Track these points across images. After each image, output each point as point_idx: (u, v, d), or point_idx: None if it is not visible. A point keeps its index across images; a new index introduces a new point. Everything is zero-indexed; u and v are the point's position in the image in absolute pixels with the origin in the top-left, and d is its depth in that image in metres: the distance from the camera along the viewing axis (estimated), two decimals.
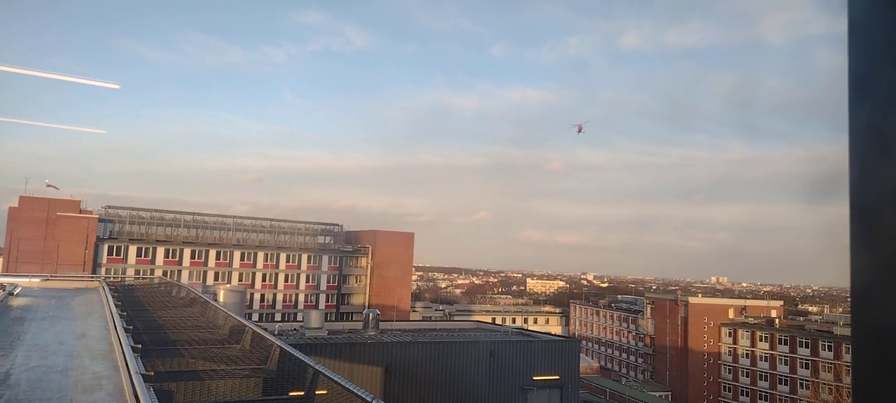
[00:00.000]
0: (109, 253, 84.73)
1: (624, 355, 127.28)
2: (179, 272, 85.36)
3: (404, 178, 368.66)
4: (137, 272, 78.82)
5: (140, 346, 11.71)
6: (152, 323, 18.46)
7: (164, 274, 71.88)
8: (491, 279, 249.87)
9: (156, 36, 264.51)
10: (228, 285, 73.00)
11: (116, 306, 18.08)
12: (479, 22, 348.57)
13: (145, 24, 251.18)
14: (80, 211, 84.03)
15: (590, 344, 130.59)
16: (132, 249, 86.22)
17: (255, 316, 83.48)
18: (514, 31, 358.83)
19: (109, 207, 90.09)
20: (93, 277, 37.91)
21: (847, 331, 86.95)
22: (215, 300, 29.69)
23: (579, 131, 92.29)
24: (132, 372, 9.12)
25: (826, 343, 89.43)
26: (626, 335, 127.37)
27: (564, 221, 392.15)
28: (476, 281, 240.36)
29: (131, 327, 14.35)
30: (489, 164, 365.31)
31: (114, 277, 43.56)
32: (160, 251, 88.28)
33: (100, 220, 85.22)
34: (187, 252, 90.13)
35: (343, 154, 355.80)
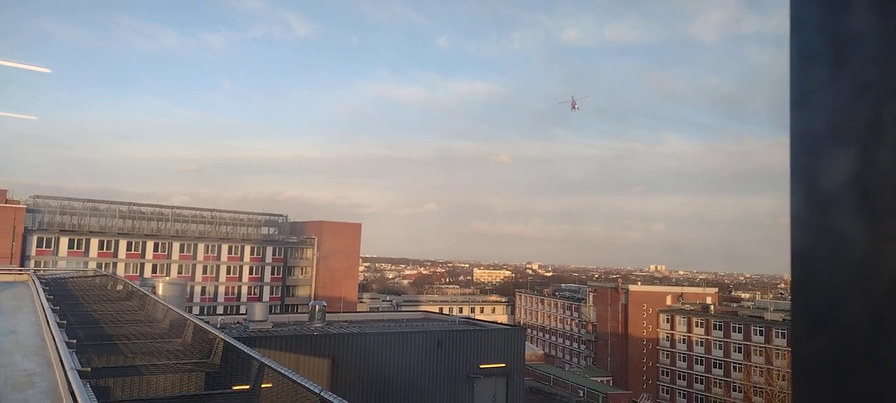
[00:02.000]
0: (39, 245, 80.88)
1: (567, 342, 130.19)
2: (115, 264, 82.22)
3: (351, 170, 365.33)
4: (69, 264, 75.53)
5: (75, 341, 11.26)
6: (87, 317, 17.76)
7: (99, 266, 69.15)
8: (438, 269, 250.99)
9: (86, 18, 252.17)
10: (167, 278, 70.86)
11: (49, 300, 17.29)
12: (423, 13, 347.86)
13: (74, 5, 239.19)
14: (7, 201, 79.82)
15: (535, 332, 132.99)
16: (63, 241, 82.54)
17: (196, 310, 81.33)
18: (459, 23, 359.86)
19: (38, 197, 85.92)
20: (21, 270, 36.14)
21: (777, 317, 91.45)
22: (154, 293, 28.80)
23: (574, 108, 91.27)
24: (67, 368, 8.76)
25: (758, 328, 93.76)
26: (569, 322, 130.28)
27: (510, 212, 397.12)
28: (424, 272, 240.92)
29: (65, 322, 13.76)
30: (436, 156, 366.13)
31: (44, 270, 41.65)
32: (94, 242, 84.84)
33: (28, 211, 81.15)
34: (123, 243, 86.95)
35: (286, 144, 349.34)
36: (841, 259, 0.61)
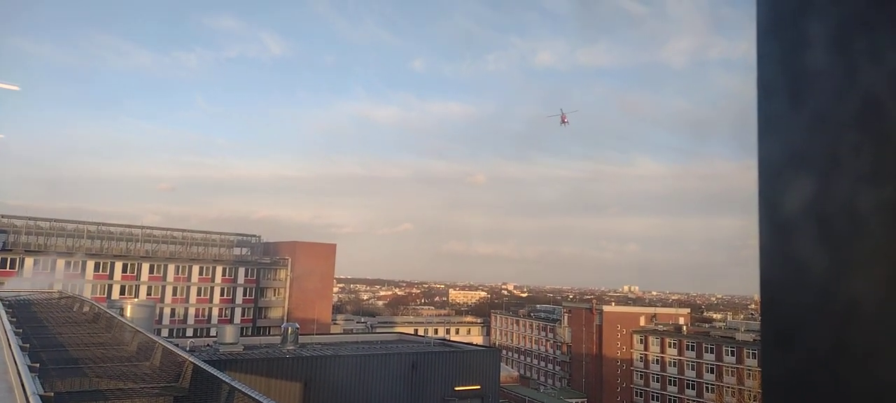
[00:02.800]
0: (2, 265, 78.71)
1: (542, 363, 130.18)
2: (82, 286, 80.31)
3: (327, 189, 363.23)
4: (34, 286, 73.58)
5: (38, 365, 10.95)
6: (52, 340, 17.29)
7: (65, 287, 67.49)
8: (414, 290, 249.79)
9: (58, 36, 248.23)
10: (136, 299, 69.43)
11: (11, 322, 16.82)
12: (398, 35, 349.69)
13: (46, 23, 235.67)
14: None
15: (510, 353, 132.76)
16: (28, 261, 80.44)
17: (166, 332, 79.61)
18: (434, 45, 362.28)
19: (3, 216, 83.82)
20: None
21: (748, 337, 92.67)
22: (122, 315, 28.17)
23: (563, 122, 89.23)
24: (29, 393, 8.52)
25: (729, 349, 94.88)
26: (544, 343, 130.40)
27: (486, 233, 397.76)
28: (399, 293, 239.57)
29: (28, 345, 13.39)
30: (412, 176, 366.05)
31: (7, 291, 40.49)
32: (60, 263, 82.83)
33: None
34: (91, 264, 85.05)
35: (262, 163, 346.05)
36: (804, 283, 0.63)
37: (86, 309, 26.09)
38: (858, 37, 0.60)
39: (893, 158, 0.57)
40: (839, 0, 0.62)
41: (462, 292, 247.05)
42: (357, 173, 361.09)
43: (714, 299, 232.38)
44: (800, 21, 0.66)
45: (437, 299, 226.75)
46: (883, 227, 0.57)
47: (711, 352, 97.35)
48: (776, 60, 0.68)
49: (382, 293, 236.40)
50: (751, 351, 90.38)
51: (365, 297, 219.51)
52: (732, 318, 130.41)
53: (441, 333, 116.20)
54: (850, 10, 0.61)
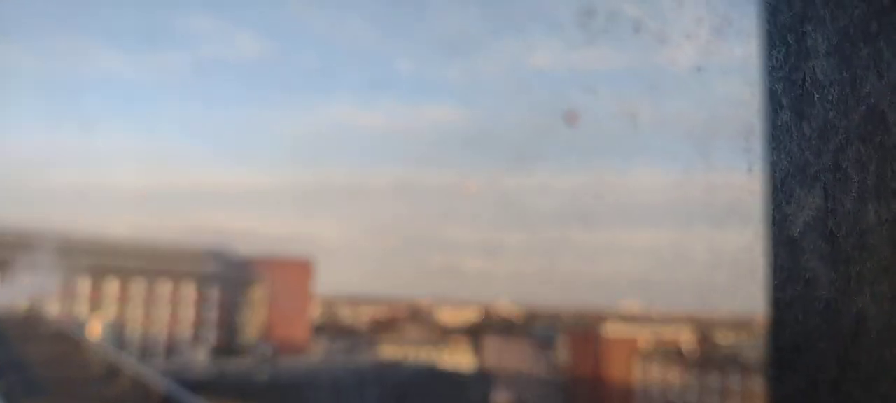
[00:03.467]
0: None
1: (538, 387, 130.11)
2: (47, 302, 79.79)
3: (307, 199, 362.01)
4: None
5: (3, 383, 11.32)
6: (13, 360, 17.53)
7: (30, 304, 67.10)
8: (399, 308, 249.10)
9: (20, 37, 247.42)
10: (103, 317, 69.16)
11: None
12: (383, 35, 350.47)
13: (7, 25, 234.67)
14: None
15: (503, 378, 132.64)
16: None
17: (133, 352, 79.25)
18: (421, 46, 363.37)
19: None
20: None
21: (754, 356, 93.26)
22: (88, 333, 28.36)
23: (572, 120, 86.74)
24: None
25: (735, 370, 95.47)
26: (539, 366, 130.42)
27: (477, 246, 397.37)
28: (383, 311, 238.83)
29: None
30: (397, 184, 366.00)
31: None
32: (24, 279, 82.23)
33: None
34: (56, 279, 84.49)
35: (239, 171, 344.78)
36: (810, 300, 0.63)
37: (51, 326, 26.29)
38: (862, 48, 0.61)
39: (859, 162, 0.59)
40: (843, 11, 0.62)
41: (451, 310, 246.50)
42: (339, 182, 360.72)
43: (719, 317, 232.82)
44: (803, 32, 0.66)
45: (423, 318, 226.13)
46: (889, 242, 0.58)
47: (716, 374, 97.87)
48: (781, 71, 0.69)
49: (365, 310, 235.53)
50: (757, 372, 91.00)
51: (346, 316, 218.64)
52: (736, 337, 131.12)
53: (428, 356, 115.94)
54: (853, 21, 0.62)
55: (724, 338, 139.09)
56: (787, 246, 0.67)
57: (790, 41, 0.69)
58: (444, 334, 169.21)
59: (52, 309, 79.03)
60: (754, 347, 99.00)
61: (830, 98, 0.64)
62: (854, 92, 0.62)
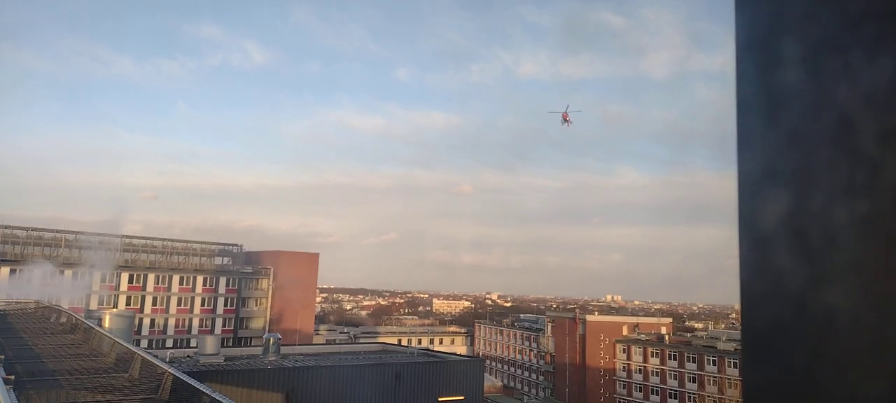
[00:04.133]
0: None
1: (526, 373, 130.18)
2: (59, 295, 78.94)
3: (310, 199, 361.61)
4: (10, 295, 72.20)
5: (13, 378, 10.74)
6: (27, 351, 16.95)
7: (41, 297, 66.30)
8: (397, 300, 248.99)
9: (36, 42, 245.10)
10: (115, 309, 68.40)
11: None
12: (383, 45, 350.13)
13: (24, 29, 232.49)
14: None
15: (493, 363, 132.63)
16: (4, 270, 78.99)
17: (145, 343, 78.50)
18: (418, 55, 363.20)
19: None
20: None
21: (729, 346, 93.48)
22: (100, 325, 27.73)
23: (566, 121, 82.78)
24: None
25: (711, 358, 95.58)
26: (527, 353, 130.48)
27: (471, 242, 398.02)
28: (382, 302, 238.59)
29: (2, 356, 13.13)
30: (396, 185, 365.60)
31: None
32: (37, 273, 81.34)
33: None
34: (68, 274, 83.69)
35: (246, 171, 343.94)
36: (782, 293, 0.66)
37: (63, 319, 25.66)
38: (832, 57, 0.63)
39: (865, 173, 0.60)
40: (813, 22, 0.65)
41: (446, 302, 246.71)
42: (341, 182, 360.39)
43: (695, 308, 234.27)
44: (776, 41, 0.69)
45: (420, 309, 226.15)
46: (857, 239, 0.60)
47: (693, 362, 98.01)
48: (754, 78, 0.71)
49: (366, 302, 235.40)
50: (732, 361, 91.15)
51: (348, 307, 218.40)
52: (713, 327, 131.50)
53: (425, 343, 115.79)
54: (824, 31, 0.64)
55: (700, 329, 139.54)
56: (761, 243, 0.70)
57: (764, 50, 0.71)
58: (439, 323, 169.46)
59: (64, 301, 78.18)
60: (729, 338, 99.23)
61: (802, 104, 0.67)
62: (824, 99, 0.64)
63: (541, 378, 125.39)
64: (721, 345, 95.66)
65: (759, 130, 0.70)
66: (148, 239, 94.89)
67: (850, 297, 0.60)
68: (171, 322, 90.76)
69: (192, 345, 63.66)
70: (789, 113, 0.67)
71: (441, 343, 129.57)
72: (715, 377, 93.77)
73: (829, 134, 0.63)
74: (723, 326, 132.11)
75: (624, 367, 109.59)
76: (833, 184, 0.62)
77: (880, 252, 0.59)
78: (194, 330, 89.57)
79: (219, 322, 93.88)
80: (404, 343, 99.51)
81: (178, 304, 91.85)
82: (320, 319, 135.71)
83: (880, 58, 0.59)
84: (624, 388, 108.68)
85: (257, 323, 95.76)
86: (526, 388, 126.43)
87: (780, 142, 0.67)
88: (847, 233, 0.61)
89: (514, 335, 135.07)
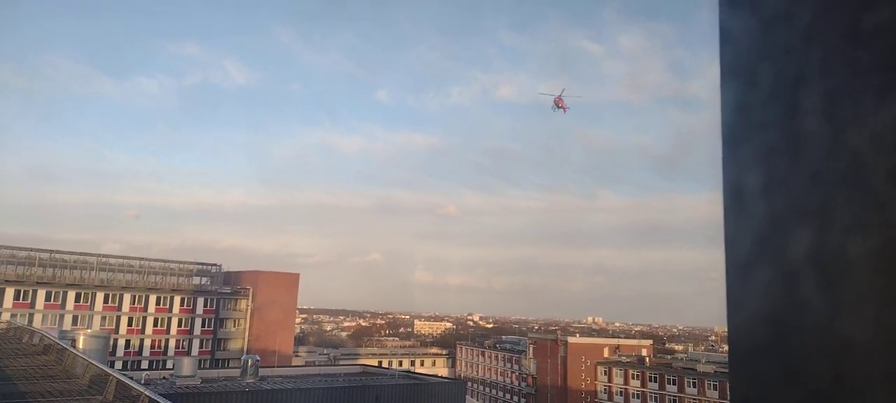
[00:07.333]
0: None
1: (508, 395, 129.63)
2: (31, 316, 77.35)
3: (291, 219, 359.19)
4: None
5: None
6: None
7: (13, 317, 64.89)
8: (378, 321, 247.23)
9: (12, 58, 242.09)
10: (89, 330, 67.15)
11: None
12: (363, 66, 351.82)
13: (1, 46, 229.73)
14: None
15: (475, 385, 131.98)
16: None
17: (120, 364, 76.98)
18: (398, 77, 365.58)
19: None
20: None
21: (709, 368, 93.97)
22: (73, 346, 27.21)
23: (559, 107, 78.71)
24: None
25: (691, 380, 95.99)
26: (509, 375, 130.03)
27: (452, 263, 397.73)
28: (363, 324, 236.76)
29: None
30: (378, 205, 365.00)
31: None
32: (9, 292, 79.77)
33: None
34: (41, 293, 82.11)
35: (226, 190, 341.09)
36: (766, 320, 0.67)
37: (35, 340, 25.15)
38: (816, 85, 0.64)
39: (847, 201, 0.60)
40: (797, 51, 0.65)
41: (427, 323, 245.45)
42: (322, 202, 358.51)
43: (675, 330, 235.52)
44: (760, 70, 0.69)
45: (401, 330, 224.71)
46: (834, 265, 0.61)
47: (673, 384, 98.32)
48: (738, 107, 0.72)
49: (346, 324, 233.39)
50: (712, 383, 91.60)
51: (328, 328, 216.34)
52: (693, 349, 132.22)
53: (406, 365, 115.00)
54: (807, 59, 0.65)
55: (680, 351, 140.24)
56: (745, 271, 0.70)
57: (747, 79, 0.72)
58: (421, 344, 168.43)
59: (38, 321, 76.58)
60: (709, 360, 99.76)
61: (785, 134, 0.67)
62: (808, 128, 0.65)
63: (523, 400, 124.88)
64: (701, 368, 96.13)
65: (742, 157, 0.70)
66: (124, 258, 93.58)
67: (828, 324, 0.61)
68: (147, 342, 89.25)
69: (168, 367, 62.58)
70: (773, 141, 0.67)
71: (422, 364, 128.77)
72: (695, 399, 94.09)
73: (812, 162, 0.63)
74: (702, 348, 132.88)
75: (605, 389, 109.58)
76: (814, 213, 0.62)
77: (865, 275, 0.59)
78: (171, 352, 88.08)
79: (196, 343, 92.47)
80: (385, 364, 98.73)
81: (155, 325, 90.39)
82: (300, 340, 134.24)
83: (859, 85, 0.60)
84: None
85: (235, 345, 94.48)
86: None
87: (764, 170, 0.67)
88: (826, 260, 0.61)
89: (496, 356, 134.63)
